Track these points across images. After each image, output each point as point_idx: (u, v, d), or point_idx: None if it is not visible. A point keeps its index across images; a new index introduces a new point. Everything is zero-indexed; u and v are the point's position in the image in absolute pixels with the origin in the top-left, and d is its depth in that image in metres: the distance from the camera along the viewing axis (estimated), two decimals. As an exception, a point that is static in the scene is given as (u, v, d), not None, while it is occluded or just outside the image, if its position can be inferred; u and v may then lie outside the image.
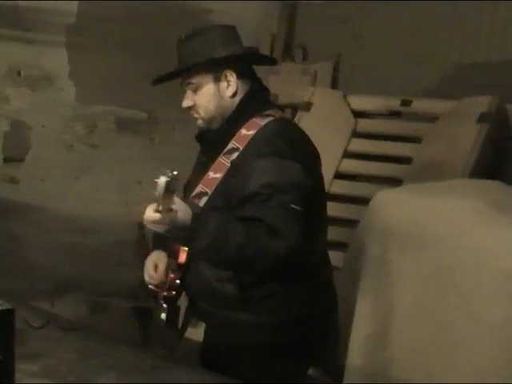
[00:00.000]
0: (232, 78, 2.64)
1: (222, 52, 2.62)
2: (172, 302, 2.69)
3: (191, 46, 2.63)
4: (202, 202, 2.55)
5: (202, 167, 2.68)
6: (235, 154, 2.59)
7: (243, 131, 2.62)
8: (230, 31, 2.70)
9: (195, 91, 2.63)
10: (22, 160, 4.25)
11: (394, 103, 4.26)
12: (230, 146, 2.61)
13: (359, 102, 4.40)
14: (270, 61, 3.04)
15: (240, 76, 2.64)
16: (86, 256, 4.44)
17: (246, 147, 2.58)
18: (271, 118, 2.62)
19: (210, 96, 2.63)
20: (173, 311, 2.69)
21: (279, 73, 5.03)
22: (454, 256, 2.63)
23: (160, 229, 2.33)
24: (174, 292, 2.66)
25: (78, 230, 4.48)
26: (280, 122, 2.65)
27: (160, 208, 2.23)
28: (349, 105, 4.39)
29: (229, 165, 2.58)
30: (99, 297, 4.34)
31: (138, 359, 2.62)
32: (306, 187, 2.48)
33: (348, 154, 4.28)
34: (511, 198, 2.77)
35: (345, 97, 4.44)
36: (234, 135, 2.61)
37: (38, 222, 4.39)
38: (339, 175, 4.21)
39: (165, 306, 2.68)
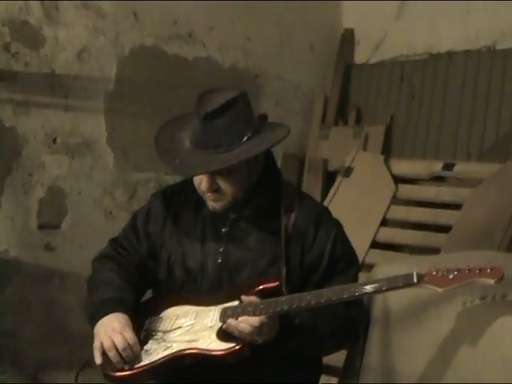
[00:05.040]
0: (261, 154, 2.48)
1: (265, 134, 2.42)
2: None
3: (227, 128, 2.36)
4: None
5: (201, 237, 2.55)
6: (292, 216, 2.47)
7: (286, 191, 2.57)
8: (247, 98, 2.47)
9: (222, 174, 2.40)
10: (57, 227, 4.21)
11: (437, 167, 4.03)
12: (286, 205, 2.49)
13: (401, 167, 4.21)
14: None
15: None
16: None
17: (300, 212, 2.48)
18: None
19: (243, 178, 2.44)
20: None
21: (329, 137, 4.89)
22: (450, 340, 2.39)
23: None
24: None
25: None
26: None
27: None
28: (390, 170, 4.19)
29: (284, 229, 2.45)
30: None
31: None
32: None
33: (386, 222, 4.08)
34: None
35: (386, 161, 4.24)
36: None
37: (76, 289, 4.32)
38: (375, 244, 4.01)
39: None
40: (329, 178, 4.69)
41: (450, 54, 4.49)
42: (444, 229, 3.85)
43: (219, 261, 2.50)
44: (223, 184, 2.41)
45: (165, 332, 2.44)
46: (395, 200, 4.14)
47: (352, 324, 2.54)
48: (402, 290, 2.26)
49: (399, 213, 4.10)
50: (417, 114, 4.68)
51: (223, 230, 2.52)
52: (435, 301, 2.42)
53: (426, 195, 4.07)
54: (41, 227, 4.15)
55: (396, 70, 4.84)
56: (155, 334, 2.45)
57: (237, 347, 2.26)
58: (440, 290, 2.14)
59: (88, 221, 4.31)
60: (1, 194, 3.99)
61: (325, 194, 4.53)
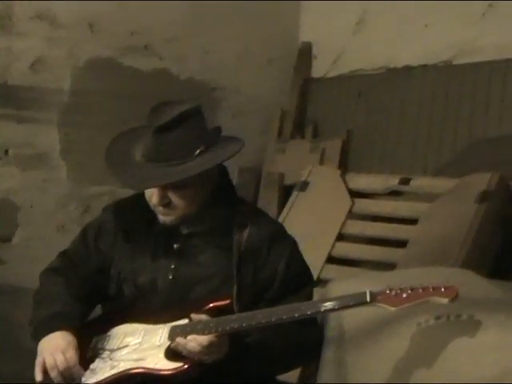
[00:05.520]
0: (215, 168, 2.42)
1: (218, 147, 2.38)
2: None
3: (179, 141, 2.32)
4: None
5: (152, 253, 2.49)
6: (246, 233, 2.42)
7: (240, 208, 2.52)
8: (201, 111, 2.43)
9: (174, 188, 2.36)
10: (8, 240, 4.13)
11: (393, 182, 4.02)
12: (239, 222, 2.44)
13: (357, 181, 4.19)
14: None
15: None
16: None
17: (254, 229, 2.43)
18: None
19: (195, 193, 2.39)
20: None
21: (286, 151, 4.85)
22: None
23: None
24: None
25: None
26: None
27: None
28: (346, 184, 4.17)
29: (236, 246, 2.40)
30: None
31: None
32: None
33: (342, 237, 4.05)
34: (470, 294, 2.45)
35: (343, 175, 4.23)
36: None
37: (28, 304, 4.23)
38: (331, 259, 3.98)
39: None
40: (285, 193, 4.66)
41: (408, 69, 4.48)
42: (401, 244, 3.83)
43: (170, 277, 2.45)
44: (175, 198, 2.37)
45: (112, 350, 2.38)
46: (351, 215, 4.11)
47: (305, 343, 2.49)
48: (357, 309, 2.23)
49: (355, 228, 4.07)
50: (374, 128, 4.66)
51: (175, 246, 2.47)
52: (391, 320, 2.39)
53: (382, 210, 4.05)
54: (-9, 241, 4.08)
55: (353, 85, 4.81)
56: (102, 353, 2.39)
57: (185, 366, 2.20)
58: (393, 309, 2.11)
59: (40, 234, 4.25)
60: (-49, 206, 3.92)
61: (281, 208, 4.49)
